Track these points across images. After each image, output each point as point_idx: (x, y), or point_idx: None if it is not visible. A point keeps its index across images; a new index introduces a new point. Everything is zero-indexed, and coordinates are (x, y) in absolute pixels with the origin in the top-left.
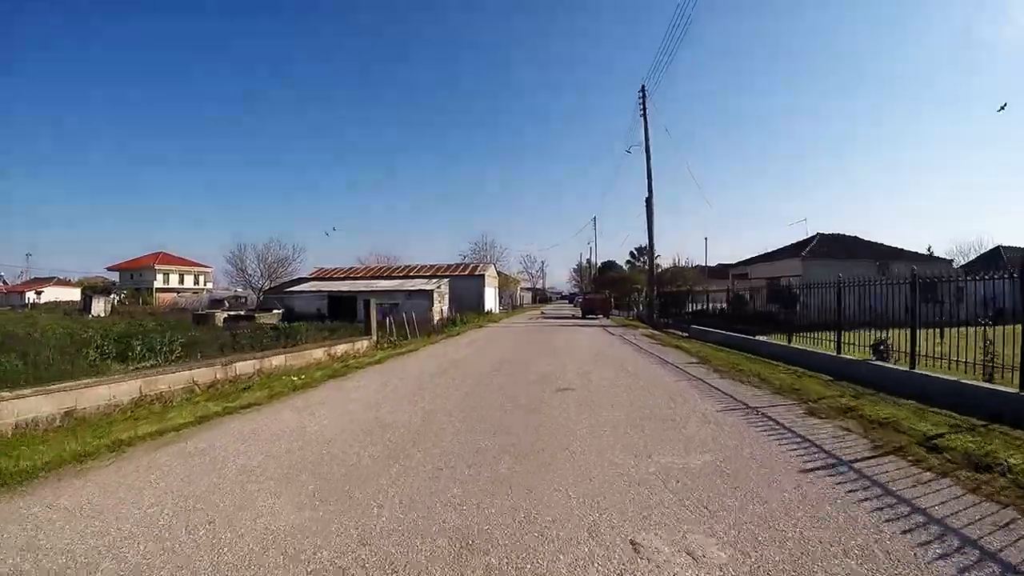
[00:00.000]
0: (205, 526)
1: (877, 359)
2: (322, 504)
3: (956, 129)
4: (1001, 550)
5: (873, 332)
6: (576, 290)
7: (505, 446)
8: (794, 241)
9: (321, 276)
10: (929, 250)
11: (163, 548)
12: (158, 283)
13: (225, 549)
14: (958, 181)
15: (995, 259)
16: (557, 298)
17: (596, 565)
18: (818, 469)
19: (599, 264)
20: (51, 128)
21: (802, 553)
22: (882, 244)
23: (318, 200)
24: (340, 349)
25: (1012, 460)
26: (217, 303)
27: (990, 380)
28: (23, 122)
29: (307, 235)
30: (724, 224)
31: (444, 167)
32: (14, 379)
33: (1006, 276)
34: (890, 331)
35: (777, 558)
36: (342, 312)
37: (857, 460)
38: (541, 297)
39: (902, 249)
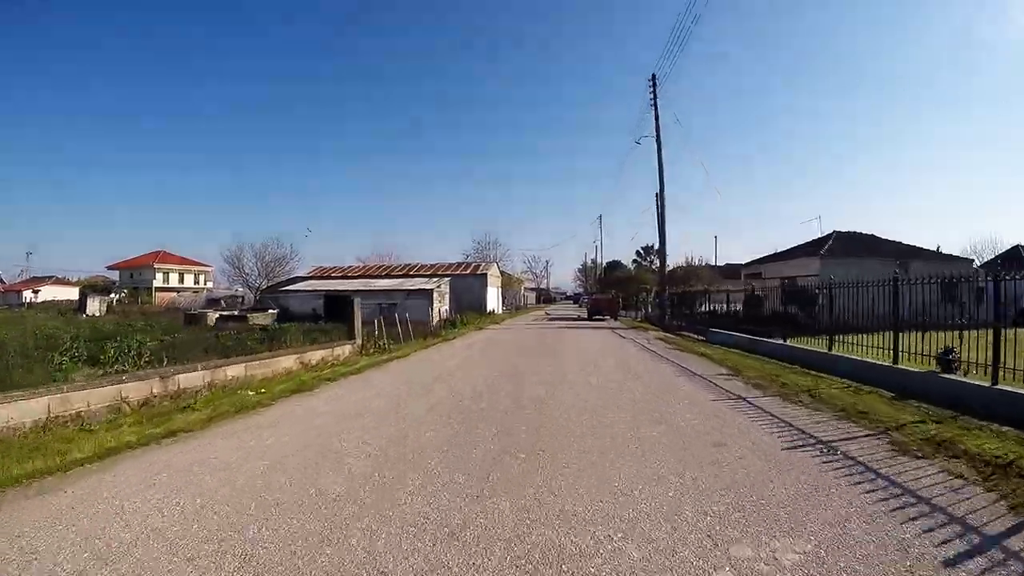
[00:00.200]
0: None
1: (944, 371)
2: None
3: (956, 129)
4: None
5: (915, 334)
6: (581, 290)
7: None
8: (807, 240)
9: (318, 275)
10: (938, 249)
11: None
12: (158, 282)
13: None
14: (958, 181)
15: (1015, 258)
16: (561, 298)
17: None
18: (964, 557)
19: (604, 264)
20: (52, 128)
21: None
22: (900, 243)
23: (319, 199)
24: (316, 356)
25: None
26: (214, 303)
27: None
28: (23, 122)
29: (311, 235)
30: (724, 224)
31: (445, 166)
32: None
33: None
34: (932, 334)
35: None
36: (338, 312)
37: (1005, 534)
38: (545, 297)
39: (921, 248)
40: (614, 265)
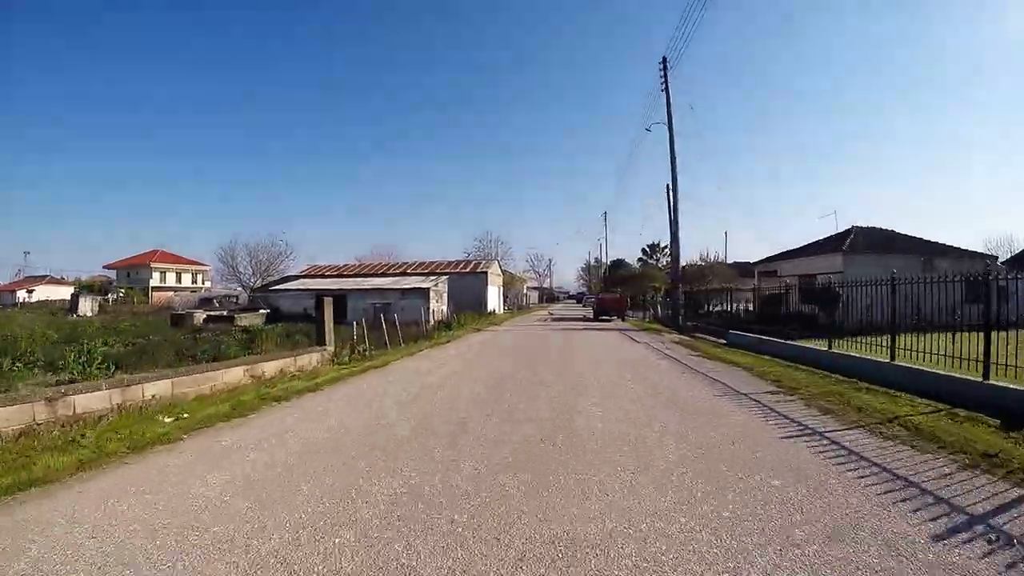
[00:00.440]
0: None
1: None
2: None
3: (957, 128)
4: None
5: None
6: (584, 289)
7: None
8: (823, 236)
9: (312, 274)
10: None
11: None
12: (155, 281)
13: None
14: (958, 181)
15: None
16: (565, 297)
17: None
18: None
19: (609, 262)
20: (50, 127)
21: None
22: (922, 239)
23: (320, 198)
24: (271, 367)
25: None
26: (207, 302)
27: None
28: (23, 122)
29: (309, 233)
30: (724, 224)
31: (446, 165)
32: None
33: None
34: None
35: None
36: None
37: None
38: (548, 296)
39: (947, 245)
40: (618, 264)
